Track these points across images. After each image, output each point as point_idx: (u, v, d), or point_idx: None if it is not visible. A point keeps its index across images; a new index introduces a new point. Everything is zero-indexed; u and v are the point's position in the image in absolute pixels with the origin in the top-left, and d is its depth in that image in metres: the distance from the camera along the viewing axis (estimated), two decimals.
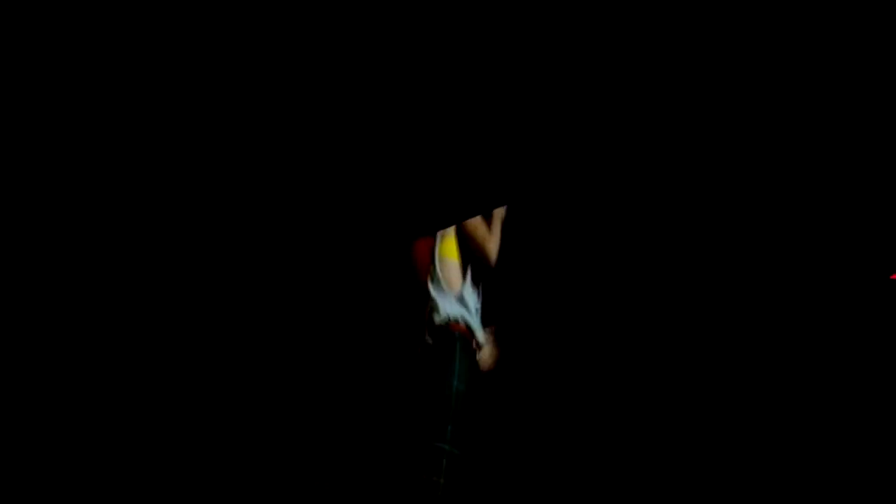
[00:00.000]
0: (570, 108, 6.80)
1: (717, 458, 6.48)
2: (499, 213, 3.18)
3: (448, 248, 3.14)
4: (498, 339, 3.38)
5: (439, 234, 3.15)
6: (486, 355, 3.20)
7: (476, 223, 3.13)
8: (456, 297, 3.04)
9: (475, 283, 3.09)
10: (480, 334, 3.13)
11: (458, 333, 3.01)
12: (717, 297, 7.24)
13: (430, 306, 3.04)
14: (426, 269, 3.32)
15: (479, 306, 3.12)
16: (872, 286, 7.35)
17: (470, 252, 3.09)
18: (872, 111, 6.16)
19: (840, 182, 6.91)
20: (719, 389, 7.04)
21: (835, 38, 5.78)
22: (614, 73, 5.39)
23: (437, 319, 3.02)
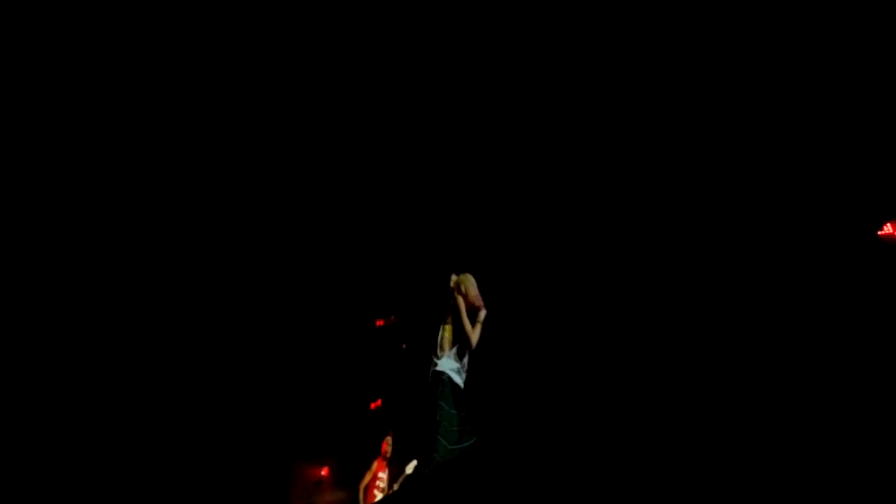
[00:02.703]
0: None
1: (711, 454, 6.59)
2: (482, 316, 5.29)
3: (447, 329, 5.27)
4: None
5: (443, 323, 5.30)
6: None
7: (465, 319, 5.23)
8: (448, 357, 5.21)
9: (460, 353, 5.27)
10: (460, 379, 5.22)
11: (445, 378, 5.13)
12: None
13: (434, 359, 5.19)
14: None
15: (462, 366, 5.26)
16: (860, 243, 7.52)
17: (461, 335, 5.22)
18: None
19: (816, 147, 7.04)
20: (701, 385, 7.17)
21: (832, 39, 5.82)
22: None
23: (437, 367, 5.18)
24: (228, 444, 9.07)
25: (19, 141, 7.28)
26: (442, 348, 5.25)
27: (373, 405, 9.72)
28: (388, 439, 9.37)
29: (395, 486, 8.74)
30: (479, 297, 5.35)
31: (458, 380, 5.24)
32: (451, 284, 5.39)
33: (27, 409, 7.51)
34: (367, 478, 9.15)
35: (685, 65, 7.94)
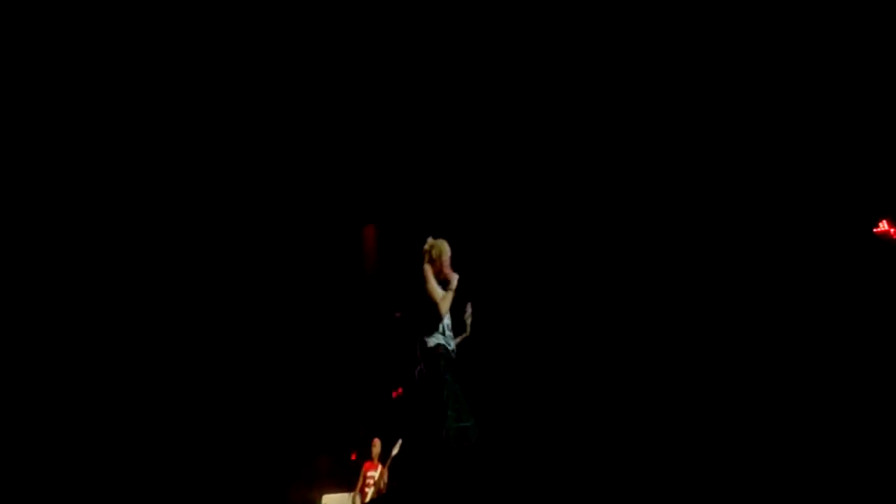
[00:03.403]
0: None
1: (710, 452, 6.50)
2: (454, 283, 5.10)
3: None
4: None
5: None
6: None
7: (432, 287, 5.05)
8: (435, 331, 5.03)
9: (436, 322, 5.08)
10: (451, 344, 5.11)
11: (442, 352, 4.99)
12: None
13: (424, 337, 5.04)
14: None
15: (446, 332, 5.12)
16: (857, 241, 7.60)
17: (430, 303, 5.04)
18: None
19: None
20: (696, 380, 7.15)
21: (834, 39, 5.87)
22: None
23: (429, 344, 5.00)
24: (231, 443, 9.01)
25: (19, 141, 7.25)
26: (427, 325, 5.05)
27: (395, 393, 9.65)
28: (377, 441, 9.33)
29: (384, 470, 8.71)
30: (448, 264, 5.13)
31: (450, 345, 5.08)
32: (426, 247, 5.17)
33: (28, 410, 7.43)
34: (359, 483, 9.13)
35: (683, 65, 8.04)
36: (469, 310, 5.27)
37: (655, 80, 8.04)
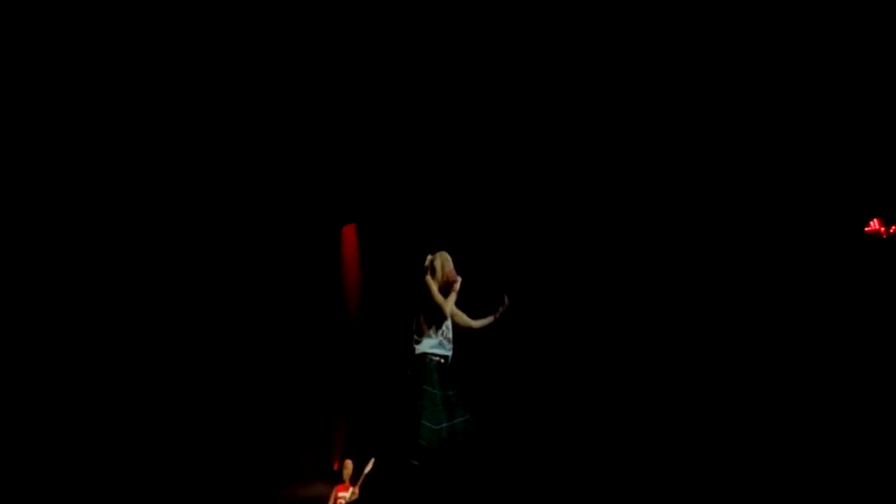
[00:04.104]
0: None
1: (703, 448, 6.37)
2: (456, 286, 5.28)
3: (421, 313, 5.24)
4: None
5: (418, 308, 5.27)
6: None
7: (436, 294, 5.20)
8: (427, 336, 5.17)
9: (437, 327, 5.22)
10: (444, 350, 5.22)
11: (432, 360, 5.11)
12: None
13: (413, 344, 5.16)
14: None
15: (442, 337, 5.25)
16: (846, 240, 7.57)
17: (435, 310, 5.19)
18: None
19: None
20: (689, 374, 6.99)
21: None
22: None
23: (417, 351, 5.14)
24: (215, 441, 8.74)
25: (19, 141, 7.15)
26: (420, 332, 5.21)
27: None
28: (348, 462, 9.09)
29: (356, 490, 8.51)
30: (453, 272, 5.34)
31: (443, 351, 5.19)
32: (426, 264, 5.39)
33: (25, 410, 7.16)
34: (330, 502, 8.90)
35: (676, 65, 8.02)
36: (506, 301, 5.36)
37: (653, 80, 8.00)
